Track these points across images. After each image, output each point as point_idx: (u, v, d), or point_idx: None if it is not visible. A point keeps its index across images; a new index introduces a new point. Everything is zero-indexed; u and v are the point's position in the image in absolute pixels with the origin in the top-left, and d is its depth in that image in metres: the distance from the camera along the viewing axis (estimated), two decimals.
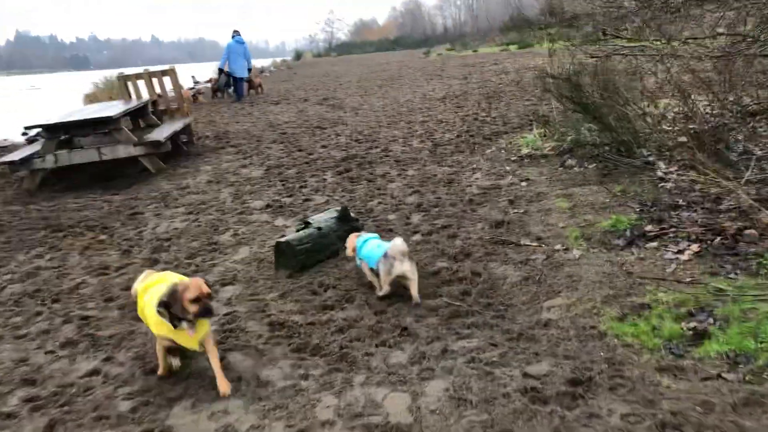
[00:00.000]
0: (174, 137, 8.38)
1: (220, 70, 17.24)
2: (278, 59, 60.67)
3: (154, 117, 8.93)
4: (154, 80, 9.13)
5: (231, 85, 17.31)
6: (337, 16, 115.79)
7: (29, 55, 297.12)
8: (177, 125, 8.35)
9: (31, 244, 5.28)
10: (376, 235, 3.95)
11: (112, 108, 7.69)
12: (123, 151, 7.37)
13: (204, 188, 6.66)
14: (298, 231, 4.41)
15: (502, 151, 7.12)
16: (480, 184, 5.86)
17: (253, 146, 8.99)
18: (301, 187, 6.34)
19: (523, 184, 5.70)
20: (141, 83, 9.27)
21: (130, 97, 9.13)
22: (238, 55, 16.74)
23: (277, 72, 34.82)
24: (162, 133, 7.70)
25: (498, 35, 47.19)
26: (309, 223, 4.41)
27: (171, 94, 9.67)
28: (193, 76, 39.76)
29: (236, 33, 17.22)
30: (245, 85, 17.28)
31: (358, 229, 4.55)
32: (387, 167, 6.87)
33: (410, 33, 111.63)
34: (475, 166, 6.60)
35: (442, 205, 5.29)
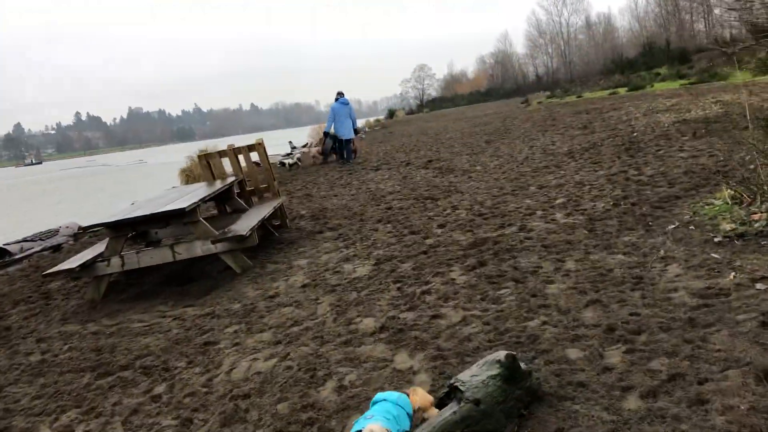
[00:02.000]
0: (264, 222, 7.04)
1: (326, 134, 16.81)
2: (371, 119, 60.54)
3: (240, 201, 7.64)
4: (240, 157, 7.87)
5: (336, 148, 16.78)
6: (428, 71, 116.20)
7: (140, 130, 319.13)
8: (265, 210, 6.99)
9: (67, 403, 3.86)
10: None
11: (188, 197, 6.39)
12: (201, 249, 6.03)
13: (298, 296, 5.13)
14: (438, 403, 2.75)
15: (691, 227, 5.22)
16: (688, 285, 3.98)
17: (355, 228, 7.49)
18: (424, 293, 4.68)
19: (759, 286, 3.78)
20: (225, 161, 8.05)
21: (213, 177, 7.90)
22: (343, 116, 16.20)
23: (372, 132, 34.00)
24: (247, 223, 6.33)
25: (600, 79, 44.81)
26: (458, 389, 2.72)
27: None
28: (290, 142, 39.86)
29: (340, 95, 16.49)
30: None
31: (532, 392, 2.84)
32: (535, 257, 5.12)
33: (501, 83, 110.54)
34: (663, 252, 4.72)
35: (646, 329, 3.45)
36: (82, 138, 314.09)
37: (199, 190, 6.88)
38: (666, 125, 12.03)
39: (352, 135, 16.66)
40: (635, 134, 11.81)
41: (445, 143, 17.16)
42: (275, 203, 7.49)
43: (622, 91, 30.65)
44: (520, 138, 14.93)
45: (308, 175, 14.56)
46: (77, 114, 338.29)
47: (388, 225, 7.36)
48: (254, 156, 7.91)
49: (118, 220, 5.81)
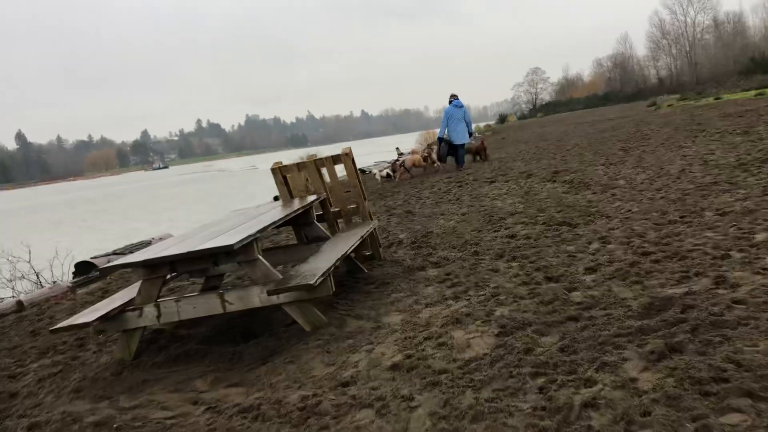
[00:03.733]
0: (349, 255, 5.37)
1: (440, 139, 15.61)
2: (481, 124, 57.96)
3: (320, 227, 6.00)
4: (323, 170, 6.25)
5: (451, 153, 15.67)
6: (541, 75, 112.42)
7: (256, 137, 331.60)
8: (349, 243, 5.29)
9: None
10: None
11: (248, 225, 4.81)
12: (258, 298, 4.41)
13: (382, 388, 3.36)
14: None
15: None
16: None
17: (468, 265, 5.66)
18: (587, 405, 2.78)
19: None
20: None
21: (290, 196, 6.32)
22: (457, 120, 15.09)
23: (483, 138, 31.96)
24: (319, 264, 4.64)
25: (739, 80, 40.39)
26: None
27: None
28: (397, 148, 38.43)
29: (454, 97, 15.14)
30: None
31: None
32: (760, 337, 3.10)
33: (620, 87, 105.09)
34: None
35: None
36: (202, 144, 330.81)
37: (266, 215, 5.28)
38: None
39: (466, 139, 15.58)
40: None
41: (572, 151, 14.94)
42: (364, 230, 5.79)
43: None
44: (665, 145, 12.51)
45: (413, 187, 12.83)
46: (198, 121, 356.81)
47: (513, 264, 5.47)
48: (340, 169, 6.27)
49: (146, 260, 4.29)
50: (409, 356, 3.71)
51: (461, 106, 15.32)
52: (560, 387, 2.98)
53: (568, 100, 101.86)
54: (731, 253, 4.66)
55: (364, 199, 6.34)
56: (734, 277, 4.11)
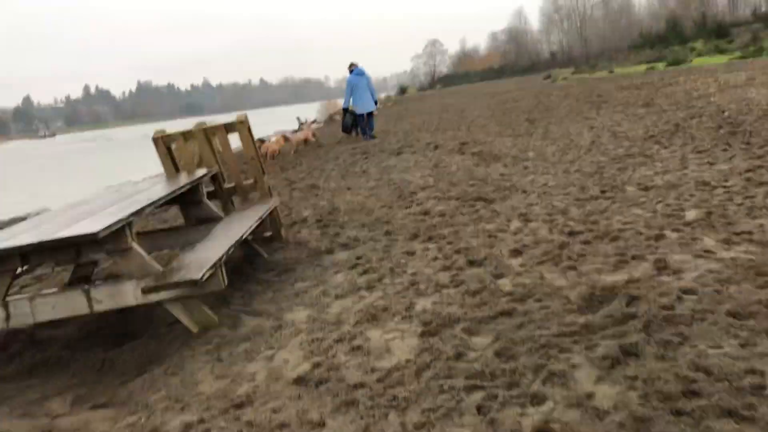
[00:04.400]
0: (246, 239, 4.65)
1: (345, 110, 14.97)
2: (382, 95, 57.34)
3: (211, 206, 5.23)
4: (215, 140, 5.46)
5: (356, 124, 15.05)
6: (440, 47, 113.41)
7: (149, 104, 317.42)
8: (245, 225, 4.59)
9: None
10: None
11: (122, 205, 4.01)
12: (133, 296, 3.64)
13: (285, 408, 2.73)
14: None
15: None
16: None
17: (381, 247, 5.09)
18: (539, 431, 2.29)
19: None
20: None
21: (176, 170, 5.50)
22: (361, 89, 14.42)
23: (385, 110, 31.42)
24: (208, 252, 3.91)
25: (628, 53, 41.85)
26: None
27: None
28: (298, 117, 37.28)
29: (354, 66, 14.25)
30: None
31: None
32: (730, 340, 2.71)
33: (515, 60, 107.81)
34: None
35: None
36: (91, 112, 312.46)
37: (144, 194, 4.48)
38: (766, 104, 9.51)
39: (373, 108, 14.89)
40: (726, 113, 9.30)
41: (476, 122, 14.66)
42: (262, 209, 5.09)
43: (660, 66, 27.98)
44: (570, 117, 12.42)
45: (316, 159, 12.11)
46: (86, 87, 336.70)
47: (430, 245, 4.95)
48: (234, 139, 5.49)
49: None
50: (317, 365, 3.09)
51: (363, 74, 14.70)
52: (503, 405, 2.45)
53: (466, 73, 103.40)
54: (665, 232, 4.33)
55: (263, 173, 5.61)
56: (675, 261, 3.75)
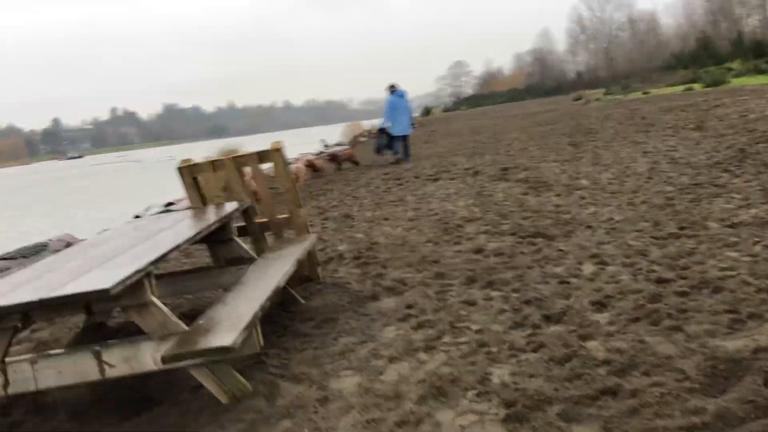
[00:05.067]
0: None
1: (381, 130, 14.35)
2: None
3: (242, 245, 4.62)
4: (246, 169, 4.87)
5: (390, 146, 14.45)
6: (464, 68, 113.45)
7: (175, 126, 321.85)
8: (282, 267, 3.97)
9: None
10: None
11: (135, 252, 3.42)
12: (152, 360, 3.04)
13: None
14: None
15: None
16: None
17: (432, 293, 4.43)
18: None
19: None
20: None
21: (203, 202, 4.92)
22: (401, 111, 14.10)
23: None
24: (240, 308, 3.30)
25: (662, 75, 41.01)
26: None
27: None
28: (322, 140, 36.90)
29: (394, 87, 13.80)
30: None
31: None
32: None
33: (540, 81, 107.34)
34: None
35: None
36: (117, 133, 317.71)
37: (168, 232, 3.90)
38: None
39: (409, 131, 14.48)
40: None
41: (514, 146, 14.00)
42: (299, 249, 4.47)
43: (698, 86, 27.11)
44: (617, 141, 11.72)
45: (346, 184, 11.53)
46: (113, 109, 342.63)
47: (492, 293, 4.28)
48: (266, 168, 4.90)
49: None
50: None
51: (403, 95, 14.22)
52: None
53: (491, 94, 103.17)
54: None
55: (299, 206, 5.01)
56: None
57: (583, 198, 7.03)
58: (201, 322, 3.22)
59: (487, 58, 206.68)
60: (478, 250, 5.41)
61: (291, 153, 29.80)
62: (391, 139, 14.29)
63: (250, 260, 4.49)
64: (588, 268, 4.48)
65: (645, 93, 30.06)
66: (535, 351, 3.23)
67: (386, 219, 7.53)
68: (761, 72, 30.18)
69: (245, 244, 4.60)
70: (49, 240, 11.54)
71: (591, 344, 3.20)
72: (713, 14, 77.53)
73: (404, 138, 14.27)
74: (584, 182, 7.97)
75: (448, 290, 4.45)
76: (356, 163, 14.36)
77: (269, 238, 5.17)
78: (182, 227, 4.16)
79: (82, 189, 35.73)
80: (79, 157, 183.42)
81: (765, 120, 10.96)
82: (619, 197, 6.77)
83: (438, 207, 7.81)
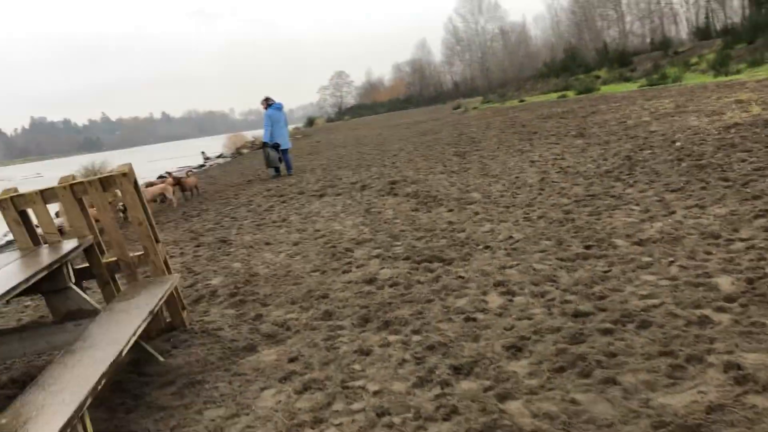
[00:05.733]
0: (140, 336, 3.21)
1: (265, 144, 13.64)
2: (290, 127, 55.76)
3: (80, 294, 3.71)
4: (89, 196, 3.98)
5: (281, 158, 13.91)
6: (346, 78, 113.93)
7: (43, 141, 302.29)
8: (132, 323, 3.17)
9: None
10: None
11: None
12: None
13: None
14: None
15: None
16: None
17: (320, 340, 3.74)
18: None
19: None
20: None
21: (33, 242, 3.98)
22: (281, 124, 13.81)
23: (295, 142, 30.07)
24: (66, 393, 2.46)
25: (535, 83, 42.49)
26: None
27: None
28: (203, 152, 35.28)
29: (270, 100, 13.24)
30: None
31: None
32: None
33: (420, 90, 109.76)
34: None
35: None
36: None
37: None
38: (716, 132, 8.90)
39: (289, 144, 14.09)
40: (678, 144, 8.61)
41: (399, 157, 13.58)
42: (156, 296, 3.66)
43: (570, 94, 28.11)
44: (502, 150, 11.54)
45: (225, 204, 10.62)
46: None
47: (390, 336, 3.66)
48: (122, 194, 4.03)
49: None
50: None
51: (281, 108, 13.70)
52: None
53: (372, 104, 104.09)
54: (707, 313, 3.24)
55: (156, 240, 4.18)
56: (751, 363, 2.64)
57: (476, 213, 6.60)
58: (14, 408, 2.37)
59: (368, 68, 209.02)
60: (371, 280, 4.79)
61: (169, 166, 28.04)
62: (277, 150, 13.62)
63: (93, 312, 3.62)
64: (494, 300, 3.97)
65: (521, 101, 30.88)
66: (446, 419, 2.63)
67: (268, 243, 6.77)
68: (627, 80, 31.79)
69: (89, 292, 3.71)
70: None
71: (513, 407, 2.64)
72: (577, 26, 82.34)
73: (284, 151, 13.68)
74: (475, 195, 7.58)
75: (339, 335, 3.79)
76: (197, 193, 12.64)
77: (122, 280, 4.29)
78: (6, 272, 3.25)
79: None
80: None
81: (642, 126, 11.13)
82: (515, 212, 6.39)
83: (324, 227, 7.14)
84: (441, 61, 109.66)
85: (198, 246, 7.26)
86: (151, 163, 44.86)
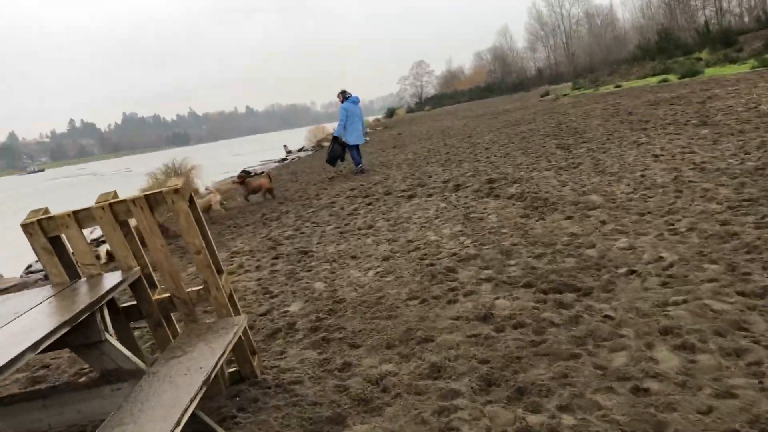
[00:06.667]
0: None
1: (335, 138, 12.97)
2: (370, 118, 54.99)
3: (119, 349, 2.87)
4: (138, 215, 3.13)
5: (343, 157, 13.35)
6: (426, 68, 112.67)
7: (135, 136, 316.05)
8: (183, 394, 2.30)
9: None
10: None
11: None
12: None
13: None
14: None
15: None
16: None
17: (430, 415, 2.77)
18: None
19: None
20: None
21: (73, 274, 3.17)
22: (356, 118, 12.92)
23: (375, 133, 29.29)
24: None
25: (633, 67, 39.89)
26: None
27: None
28: (285, 146, 35.00)
29: (346, 93, 12.86)
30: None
31: None
32: None
33: (501, 78, 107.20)
34: None
35: None
36: (76, 145, 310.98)
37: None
38: None
39: (362, 140, 13.27)
40: None
41: (493, 150, 12.41)
42: (219, 346, 2.79)
43: (673, 77, 25.93)
44: (613, 141, 10.20)
45: (305, 204, 9.82)
46: (71, 121, 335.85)
47: (527, 415, 2.63)
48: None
49: None
50: None
51: (357, 102, 12.87)
52: None
53: (453, 93, 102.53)
54: None
55: (219, 272, 3.31)
56: None
57: (603, 223, 5.45)
58: None
59: (448, 57, 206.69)
60: (485, 317, 3.78)
61: (254, 160, 27.75)
62: (344, 149, 12.90)
63: (136, 373, 2.77)
64: (667, 359, 2.88)
65: (617, 86, 28.85)
66: None
67: (354, 257, 5.86)
68: (732, 61, 29.18)
69: (123, 349, 2.86)
70: None
71: None
72: (669, 6, 77.68)
73: (357, 147, 12.91)
74: (596, 199, 6.40)
75: (455, 406, 2.80)
76: (272, 196, 11.48)
77: (179, 321, 3.45)
78: (32, 320, 2.47)
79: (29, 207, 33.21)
80: (41, 171, 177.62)
81: None
82: (653, 221, 5.20)
83: (418, 237, 6.17)
84: (523, 48, 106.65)
85: (276, 258, 6.43)
86: (235, 157, 45.22)
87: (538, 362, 3.07)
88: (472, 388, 2.94)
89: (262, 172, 14.24)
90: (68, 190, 44.07)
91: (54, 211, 3.16)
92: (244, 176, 11.95)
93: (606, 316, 3.47)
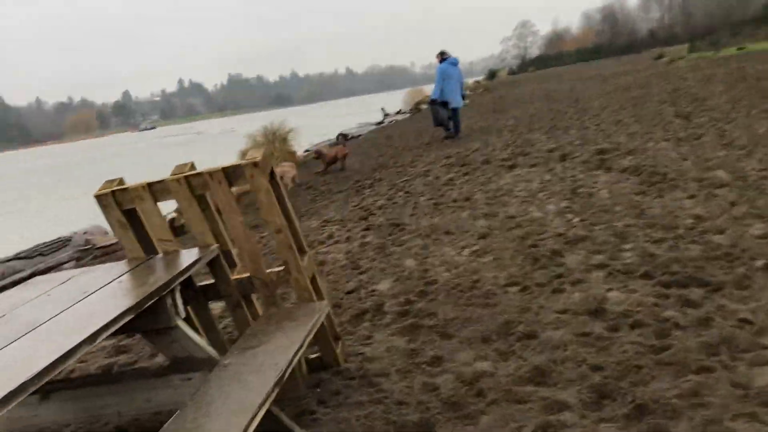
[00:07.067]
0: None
1: (433, 101, 12.51)
2: (470, 80, 53.33)
3: (191, 336, 2.65)
4: (215, 189, 2.89)
5: (451, 117, 12.66)
6: (530, 28, 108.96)
7: (239, 97, 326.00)
8: (260, 385, 2.06)
9: None
10: None
11: None
12: None
13: None
14: None
15: None
16: None
17: (537, 424, 2.41)
18: None
19: None
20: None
21: (144, 250, 2.98)
22: (454, 80, 12.39)
23: (475, 97, 28.41)
24: None
25: (752, 27, 36.74)
26: None
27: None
28: (382, 108, 34.69)
29: (445, 54, 12.36)
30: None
31: None
32: None
33: (611, 39, 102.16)
34: None
35: None
36: (184, 104, 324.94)
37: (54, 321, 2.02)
38: None
39: (461, 103, 12.73)
40: None
41: (602, 116, 11.59)
42: (299, 335, 2.53)
43: None
44: (740, 110, 9.21)
45: (399, 171, 9.51)
46: (180, 81, 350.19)
47: None
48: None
49: None
50: None
51: (456, 64, 12.36)
52: None
53: (558, 54, 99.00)
54: None
55: (302, 251, 3.04)
56: None
57: (732, 204, 4.81)
58: None
59: (554, 17, 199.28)
60: (596, 311, 3.33)
61: (352, 122, 27.73)
62: (446, 108, 12.39)
63: (208, 362, 2.55)
64: None
65: (740, 49, 26.59)
66: None
67: (448, 233, 5.49)
68: None
69: (196, 336, 2.64)
70: (74, 233, 10.08)
71: None
72: None
73: (455, 110, 12.38)
74: (722, 175, 5.70)
75: (561, 422, 2.42)
76: (342, 167, 11.30)
77: (258, 302, 3.22)
78: (99, 300, 2.31)
79: (138, 163, 34.74)
80: (153, 128, 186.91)
81: None
82: None
83: (519, 213, 5.72)
84: (636, 7, 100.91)
85: (367, 229, 6.16)
86: (334, 119, 45.47)
87: (662, 374, 2.63)
88: (582, 400, 2.54)
89: (335, 145, 13.92)
90: (183, 147, 45.68)
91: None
92: (321, 150, 11.84)
93: (743, 320, 2.95)
